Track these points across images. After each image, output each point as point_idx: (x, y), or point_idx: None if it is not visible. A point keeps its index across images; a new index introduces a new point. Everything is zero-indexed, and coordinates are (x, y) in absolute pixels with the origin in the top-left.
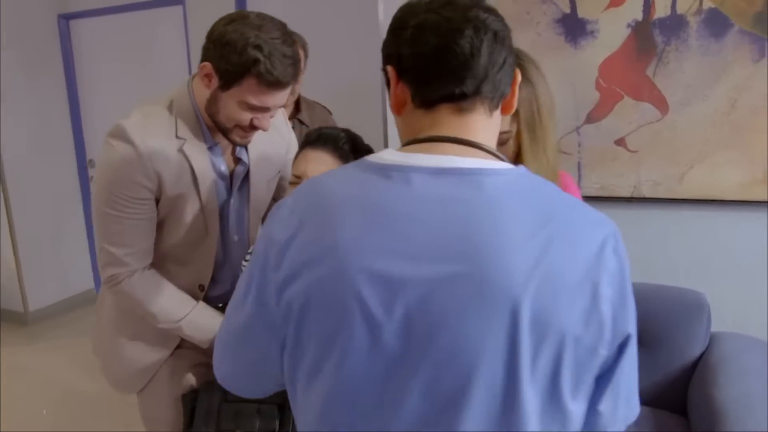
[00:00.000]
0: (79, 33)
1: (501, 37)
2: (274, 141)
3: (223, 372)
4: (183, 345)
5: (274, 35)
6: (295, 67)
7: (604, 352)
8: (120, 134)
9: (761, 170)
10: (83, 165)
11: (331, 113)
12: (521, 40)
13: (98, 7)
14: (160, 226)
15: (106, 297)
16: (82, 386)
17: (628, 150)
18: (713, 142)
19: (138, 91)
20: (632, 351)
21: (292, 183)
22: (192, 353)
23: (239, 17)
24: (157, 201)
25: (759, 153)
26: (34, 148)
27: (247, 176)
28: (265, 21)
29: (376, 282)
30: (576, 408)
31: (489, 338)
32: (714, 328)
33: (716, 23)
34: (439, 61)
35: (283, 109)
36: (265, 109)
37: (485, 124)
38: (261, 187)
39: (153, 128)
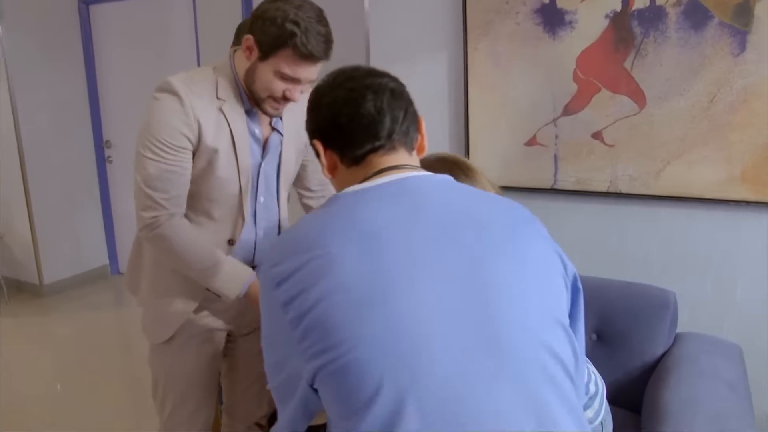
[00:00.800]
0: (98, 17)
1: (397, 92)
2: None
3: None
4: (204, 306)
5: (310, 15)
6: (327, 44)
7: (568, 283)
8: (166, 87)
9: (739, 169)
10: (99, 144)
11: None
12: (500, 30)
13: None
14: (198, 180)
15: (143, 250)
16: (93, 359)
17: (605, 144)
18: (691, 138)
19: (151, 74)
20: (582, 297)
21: None
22: (209, 319)
23: None
24: (194, 153)
25: (737, 151)
26: (53, 127)
27: (280, 145)
28: (304, 2)
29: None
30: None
31: (529, 286)
32: (688, 329)
33: (696, 15)
34: (353, 125)
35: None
36: (296, 81)
37: (409, 159)
38: (291, 156)
39: (197, 85)
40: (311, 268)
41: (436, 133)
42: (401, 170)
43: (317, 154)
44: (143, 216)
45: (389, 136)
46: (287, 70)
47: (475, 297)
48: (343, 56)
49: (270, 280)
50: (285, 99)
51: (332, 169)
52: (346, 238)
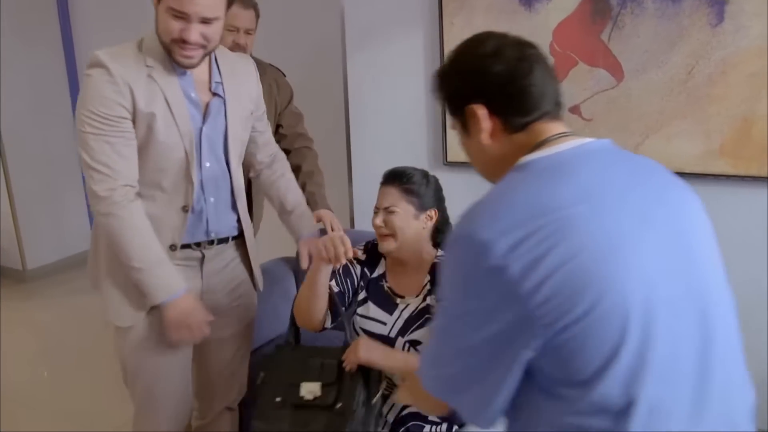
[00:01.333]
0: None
1: (548, 62)
2: (249, 83)
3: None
4: None
5: None
6: None
7: None
8: (94, 62)
9: (717, 142)
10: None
11: (284, 74)
12: (475, 3)
13: None
14: (143, 148)
15: (100, 235)
16: (77, 343)
17: (583, 118)
18: (669, 112)
19: None
20: None
21: (375, 213)
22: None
23: None
24: (133, 122)
25: (715, 123)
26: (33, 111)
27: (223, 110)
28: None
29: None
30: None
31: (710, 247)
32: None
33: None
34: (525, 95)
35: (254, 64)
36: (186, 16)
37: (568, 127)
38: (237, 122)
39: (123, 57)
40: (549, 231)
41: (412, 111)
42: (572, 137)
43: (466, 120)
44: (96, 190)
45: (553, 103)
46: (173, 3)
47: (681, 259)
48: (317, 32)
49: (485, 254)
50: (183, 41)
51: (494, 134)
52: (574, 199)
